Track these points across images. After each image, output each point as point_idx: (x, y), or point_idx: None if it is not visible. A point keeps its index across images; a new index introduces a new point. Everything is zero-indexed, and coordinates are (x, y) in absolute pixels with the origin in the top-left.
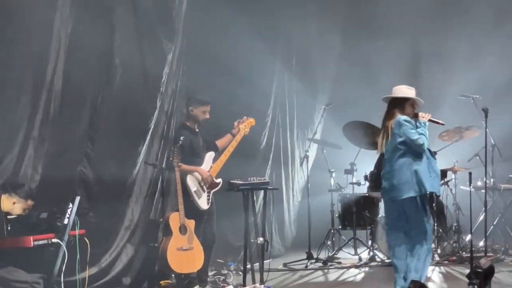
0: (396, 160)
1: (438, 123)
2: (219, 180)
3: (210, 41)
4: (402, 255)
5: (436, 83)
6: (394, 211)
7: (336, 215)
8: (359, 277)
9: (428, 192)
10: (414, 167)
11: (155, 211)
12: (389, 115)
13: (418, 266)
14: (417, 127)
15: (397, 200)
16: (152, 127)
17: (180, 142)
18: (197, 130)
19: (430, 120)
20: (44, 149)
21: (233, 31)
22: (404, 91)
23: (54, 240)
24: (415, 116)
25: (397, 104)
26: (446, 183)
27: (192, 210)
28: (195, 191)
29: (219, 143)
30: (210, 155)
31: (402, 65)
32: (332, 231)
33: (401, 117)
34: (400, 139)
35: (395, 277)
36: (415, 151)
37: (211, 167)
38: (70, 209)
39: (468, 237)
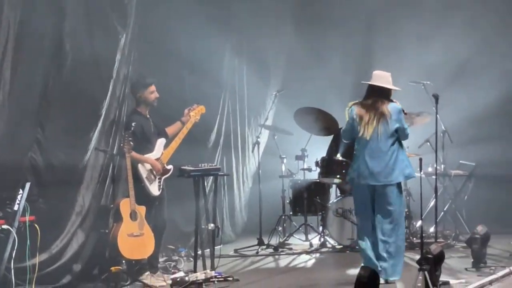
0: (391, 146)
1: (404, 113)
2: (170, 166)
3: (162, 28)
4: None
5: (387, 69)
6: (368, 195)
7: (287, 201)
8: (310, 263)
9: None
10: (403, 153)
11: (106, 197)
12: (380, 101)
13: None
14: None
15: (386, 185)
16: (104, 113)
17: (132, 128)
18: (148, 116)
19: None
20: None
21: (185, 18)
22: (390, 80)
23: (4, 227)
24: None
25: (384, 91)
26: None
27: (143, 196)
28: (146, 177)
29: (169, 130)
30: (161, 142)
31: (354, 52)
32: (283, 217)
33: (397, 106)
34: (397, 126)
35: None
36: (400, 139)
37: (162, 153)
38: (20, 195)
39: (419, 223)
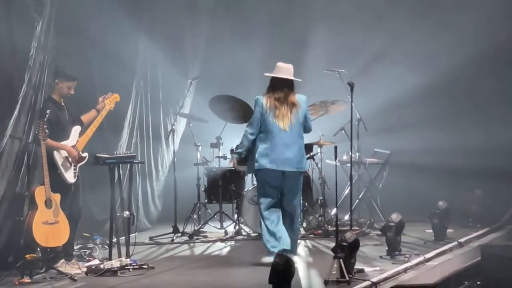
0: (300, 135)
1: None
2: (85, 154)
3: (77, 15)
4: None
5: (303, 57)
6: (279, 182)
7: (202, 189)
8: (225, 250)
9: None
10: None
11: (22, 184)
12: (291, 92)
13: (296, 239)
14: None
15: (299, 172)
16: (20, 100)
17: (47, 116)
18: (63, 104)
19: None
20: None
21: (98, 4)
22: (292, 72)
23: None
24: None
25: (291, 83)
26: (312, 157)
27: (58, 183)
28: (61, 164)
29: (84, 118)
30: (76, 129)
31: (271, 39)
32: (198, 205)
33: (304, 97)
34: (305, 115)
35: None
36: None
37: (78, 141)
38: None
39: (334, 211)
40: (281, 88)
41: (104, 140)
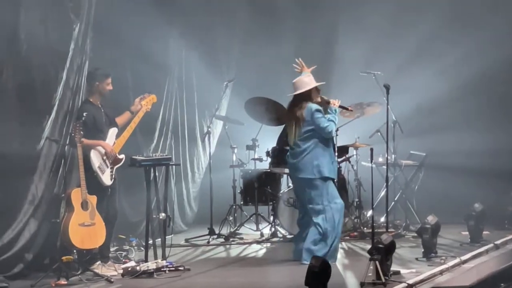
0: (304, 144)
1: (347, 109)
2: (122, 156)
3: (112, 17)
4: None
5: (339, 59)
6: (297, 187)
7: (238, 191)
8: (261, 252)
9: (324, 176)
10: (317, 152)
11: (59, 186)
12: (297, 105)
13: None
14: (327, 113)
15: (297, 177)
16: (57, 102)
17: (83, 118)
18: (100, 105)
19: (340, 106)
20: None
21: (136, 7)
22: (305, 81)
23: None
24: (327, 103)
25: (303, 95)
26: (348, 159)
27: (94, 185)
28: (98, 167)
29: (118, 120)
30: (113, 131)
31: (310, 40)
32: (234, 207)
33: (313, 106)
34: (310, 127)
35: None
36: (322, 136)
37: (114, 143)
38: None
39: (370, 213)
40: (290, 104)
41: (136, 142)
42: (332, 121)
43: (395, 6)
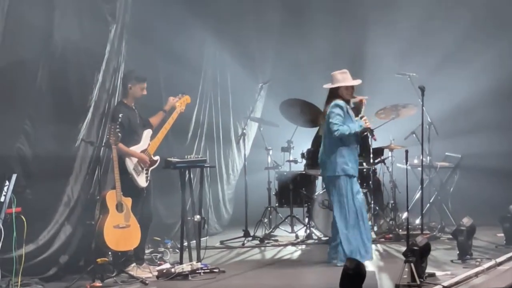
0: (328, 141)
1: (372, 135)
2: (157, 157)
3: (147, 19)
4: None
5: (375, 61)
6: (326, 187)
7: (273, 193)
8: (296, 254)
9: (347, 174)
10: (340, 149)
11: (95, 188)
12: (327, 101)
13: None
14: (359, 114)
15: (323, 176)
16: (93, 104)
17: (119, 119)
18: (134, 107)
19: (367, 128)
20: None
21: (170, 10)
22: (337, 77)
23: None
24: (359, 107)
25: (333, 91)
26: (383, 160)
27: (129, 188)
28: (133, 169)
29: (153, 120)
30: (147, 133)
31: (343, 43)
32: (269, 209)
33: (335, 102)
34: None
35: None
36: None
37: (149, 144)
38: (7, 187)
39: (405, 215)
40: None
41: (171, 143)
42: (348, 129)
43: (428, 5)
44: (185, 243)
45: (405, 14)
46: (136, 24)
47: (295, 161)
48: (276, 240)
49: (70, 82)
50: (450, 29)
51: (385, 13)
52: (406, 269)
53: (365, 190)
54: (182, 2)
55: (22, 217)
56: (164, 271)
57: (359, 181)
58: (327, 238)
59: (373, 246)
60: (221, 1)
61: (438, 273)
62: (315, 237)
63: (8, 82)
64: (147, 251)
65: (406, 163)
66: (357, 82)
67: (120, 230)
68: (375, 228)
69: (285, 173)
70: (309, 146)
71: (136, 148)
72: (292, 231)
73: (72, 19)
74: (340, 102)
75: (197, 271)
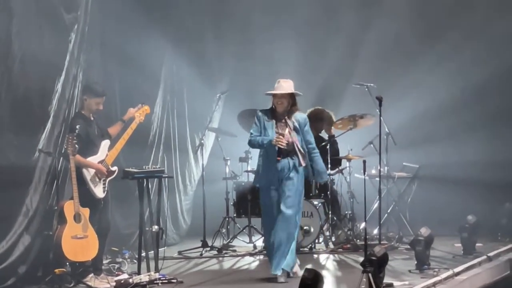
0: None
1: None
2: (115, 168)
3: (105, 29)
4: None
5: (332, 71)
6: None
7: (231, 203)
8: (254, 264)
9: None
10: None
11: (53, 199)
12: None
13: None
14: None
15: None
16: (52, 114)
17: (77, 131)
18: (92, 118)
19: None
20: None
21: (128, 19)
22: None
23: None
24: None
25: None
26: (341, 171)
27: (87, 198)
28: (90, 180)
29: (111, 130)
30: (105, 143)
31: (298, 54)
32: (227, 219)
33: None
34: None
35: None
36: None
37: (107, 155)
38: None
39: (363, 225)
40: None
41: (129, 153)
42: (257, 140)
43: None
44: (143, 254)
45: (364, 23)
46: (93, 33)
47: (253, 172)
48: (234, 251)
49: (29, 91)
50: (407, 38)
51: (342, 20)
52: (364, 279)
53: (322, 200)
54: (141, 11)
55: None
56: (122, 281)
57: (316, 191)
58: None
59: (331, 256)
60: (180, 10)
61: (396, 283)
62: None
63: None
64: (105, 261)
65: (364, 173)
66: (273, 91)
67: (78, 241)
68: (333, 238)
69: (243, 184)
70: None
71: (94, 159)
72: (250, 241)
73: (32, 27)
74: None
75: (155, 282)
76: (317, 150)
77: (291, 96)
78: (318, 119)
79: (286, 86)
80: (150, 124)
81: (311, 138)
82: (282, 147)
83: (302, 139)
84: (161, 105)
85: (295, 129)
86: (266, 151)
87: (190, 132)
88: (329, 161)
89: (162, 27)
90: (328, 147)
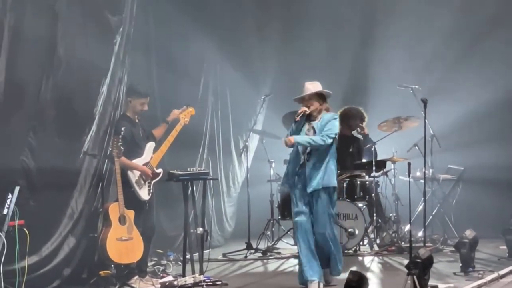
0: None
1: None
2: (160, 170)
3: (152, 31)
4: None
5: (376, 73)
6: None
7: (276, 206)
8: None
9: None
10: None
11: (98, 201)
12: None
13: None
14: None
15: None
16: (98, 116)
17: (122, 133)
18: (137, 120)
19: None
20: None
21: (173, 21)
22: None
23: None
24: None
25: None
26: (385, 173)
27: (132, 200)
28: (135, 182)
29: (156, 132)
30: (150, 146)
31: (342, 56)
32: (272, 221)
33: None
34: None
35: None
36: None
37: (152, 157)
38: (9, 199)
39: (407, 227)
40: None
41: (174, 156)
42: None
43: (430, 16)
44: (188, 256)
45: (408, 28)
46: (138, 35)
47: None
48: (279, 253)
49: (74, 94)
50: (453, 40)
51: (386, 25)
52: (409, 282)
53: (367, 203)
54: (184, 13)
55: (25, 230)
56: (167, 283)
57: (361, 194)
58: None
59: (376, 258)
60: (223, 12)
61: (441, 286)
62: None
63: (12, 95)
64: (149, 263)
65: (409, 176)
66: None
67: (122, 243)
68: (378, 241)
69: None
70: None
71: (139, 161)
72: (295, 244)
73: (77, 30)
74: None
75: (200, 284)
76: (317, 137)
77: (320, 97)
78: (349, 117)
79: (311, 88)
80: (196, 126)
81: (327, 131)
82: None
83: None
84: (205, 107)
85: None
86: (293, 153)
87: (233, 134)
88: (373, 163)
89: (204, 29)
90: (372, 148)
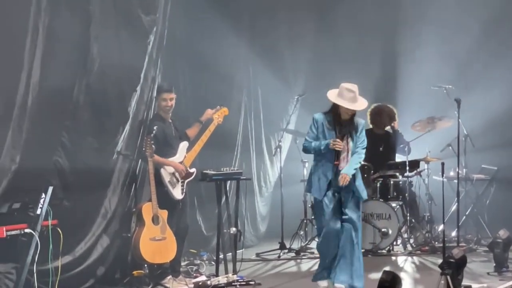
0: None
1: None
2: (193, 169)
3: (184, 30)
4: None
5: (409, 74)
6: None
7: (309, 205)
8: None
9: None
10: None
11: (132, 201)
12: None
13: None
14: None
15: None
16: (131, 116)
17: (154, 132)
18: (170, 120)
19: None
20: (22, 139)
21: (203, 21)
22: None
23: (26, 230)
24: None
25: None
26: (419, 173)
27: (166, 200)
28: (169, 181)
29: (189, 132)
30: (183, 145)
31: (375, 56)
32: (305, 221)
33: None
34: None
35: None
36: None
37: (185, 157)
38: (43, 199)
39: (441, 227)
40: None
41: (207, 155)
42: (311, 144)
43: (463, 17)
44: (221, 256)
45: (441, 26)
46: (171, 35)
47: None
48: (312, 253)
49: (108, 94)
50: (487, 41)
51: (419, 24)
52: (442, 282)
53: (400, 203)
54: (215, 13)
55: (59, 229)
56: (200, 283)
57: (394, 194)
58: (363, 250)
59: (410, 258)
60: (254, 12)
61: (475, 286)
62: None
63: (45, 95)
64: (183, 263)
65: (442, 176)
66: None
67: (156, 243)
68: (411, 241)
69: None
70: None
71: (172, 160)
72: None
73: (110, 31)
74: (317, 114)
75: (233, 284)
76: (359, 155)
77: None
78: (379, 115)
79: (361, 101)
80: (229, 126)
81: (361, 143)
82: (339, 149)
83: (355, 145)
84: (239, 106)
85: (352, 136)
86: (320, 156)
87: (265, 133)
88: (407, 162)
89: (236, 28)
90: (406, 148)
